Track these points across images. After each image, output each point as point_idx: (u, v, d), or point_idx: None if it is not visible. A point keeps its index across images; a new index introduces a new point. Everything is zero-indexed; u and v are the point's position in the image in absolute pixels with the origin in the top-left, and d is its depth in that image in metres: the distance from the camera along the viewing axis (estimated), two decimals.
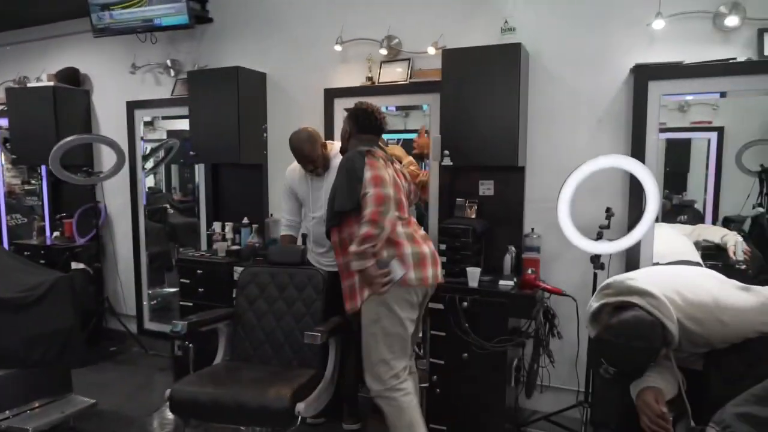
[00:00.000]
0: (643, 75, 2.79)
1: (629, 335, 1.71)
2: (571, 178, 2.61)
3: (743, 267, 2.75)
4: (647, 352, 1.74)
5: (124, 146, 4.31)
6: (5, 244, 5.06)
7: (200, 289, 3.59)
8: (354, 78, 3.54)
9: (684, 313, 1.75)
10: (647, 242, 2.80)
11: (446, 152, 2.98)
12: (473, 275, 2.80)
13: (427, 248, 2.46)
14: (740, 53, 2.64)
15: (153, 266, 4.62)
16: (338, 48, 3.53)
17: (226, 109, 3.63)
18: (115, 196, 4.66)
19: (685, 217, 2.99)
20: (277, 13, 3.83)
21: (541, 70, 3.06)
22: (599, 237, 2.67)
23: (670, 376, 1.78)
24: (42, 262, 4.19)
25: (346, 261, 2.46)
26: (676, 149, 3.03)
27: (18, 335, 2.74)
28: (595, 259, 2.69)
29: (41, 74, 4.69)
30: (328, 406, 2.61)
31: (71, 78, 4.64)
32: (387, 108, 3.45)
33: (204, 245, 4.14)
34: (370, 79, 3.46)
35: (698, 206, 2.98)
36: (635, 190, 2.83)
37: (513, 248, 3.00)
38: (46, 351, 2.82)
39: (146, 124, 4.58)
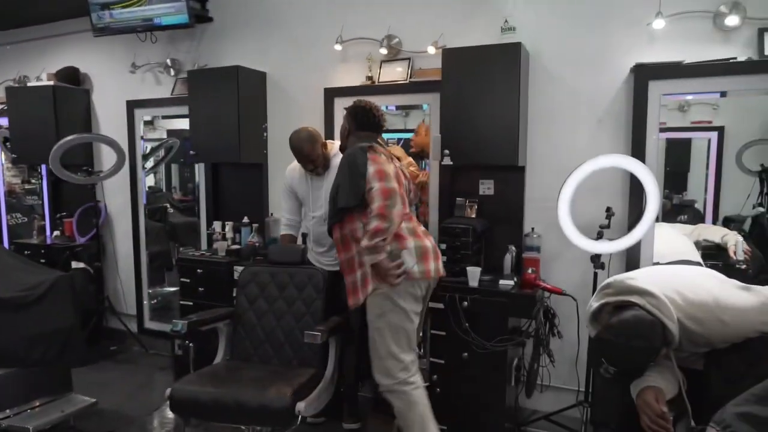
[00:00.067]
0: (644, 74, 2.79)
1: (629, 335, 1.71)
2: (571, 177, 2.61)
3: (743, 267, 2.75)
4: (647, 352, 1.74)
5: (124, 145, 4.31)
6: (5, 244, 5.06)
7: (200, 289, 3.59)
8: (354, 77, 3.54)
9: (684, 312, 1.75)
10: (647, 242, 2.80)
11: (446, 151, 2.98)
12: (473, 275, 2.80)
13: (429, 242, 2.50)
14: (740, 53, 2.64)
15: (153, 265, 4.62)
16: (338, 47, 3.53)
17: (226, 108, 3.63)
18: (115, 196, 4.66)
19: (686, 216, 2.99)
20: (277, 13, 3.83)
21: (541, 69, 3.06)
22: (599, 236, 2.67)
23: (671, 375, 1.78)
24: (42, 261, 4.19)
25: (348, 257, 2.49)
26: (677, 149, 3.03)
27: (18, 334, 2.74)
28: (596, 259, 2.70)
29: (41, 73, 4.69)
30: (328, 406, 2.61)
31: (71, 77, 4.64)
32: (387, 107, 3.45)
33: (204, 244, 4.14)
34: (370, 78, 3.46)
35: (698, 206, 2.98)
36: (635, 189, 2.83)
37: (513, 248, 3.00)
38: (47, 350, 2.82)
39: (146, 123, 4.58)
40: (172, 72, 4.25)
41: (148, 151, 4.67)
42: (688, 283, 1.83)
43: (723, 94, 2.83)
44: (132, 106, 4.43)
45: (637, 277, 1.88)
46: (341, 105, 3.45)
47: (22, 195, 5.30)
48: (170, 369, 3.90)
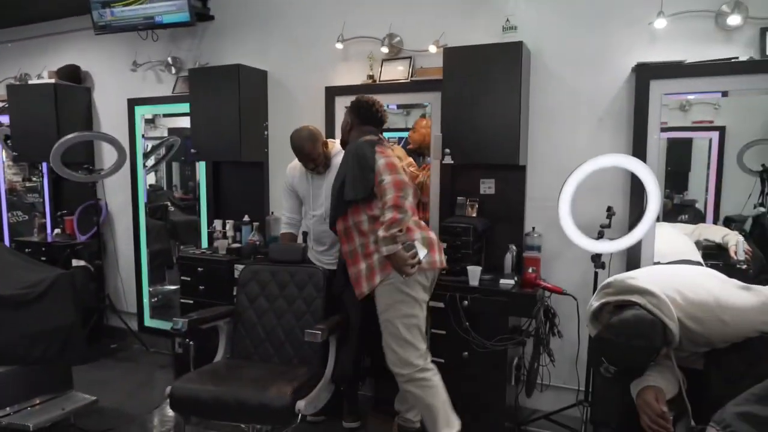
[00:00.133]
0: (645, 74, 2.78)
1: (630, 334, 1.71)
2: (572, 177, 2.61)
3: (744, 267, 2.75)
4: (648, 351, 1.73)
5: (125, 144, 4.31)
6: (6, 241, 5.07)
7: (201, 287, 3.60)
8: (355, 76, 3.53)
9: (685, 312, 1.75)
10: (648, 241, 2.80)
11: (447, 151, 2.98)
12: (474, 274, 2.80)
13: (432, 234, 2.57)
14: (742, 52, 2.63)
15: (154, 264, 4.62)
16: (339, 46, 3.53)
17: (227, 106, 3.63)
18: (116, 194, 4.66)
19: (686, 216, 2.99)
20: (279, 11, 3.83)
21: (543, 68, 3.06)
22: (600, 236, 2.67)
23: (671, 375, 1.78)
24: (43, 259, 4.20)
25: (350, 248, 2.53)
26: (678, 148, 3.03)
27: (19, 332, 2.75)
28: (596, 258, 2.69)
29: (42, 71, 4.68)
30: (329, 404, 2.62)
31: (72, 75, 4.64)
32: (388, 106, 3.43)
33: (205, 243, 4.14)
34: (371, 77, 3.46)
35: (699, 206, 2.97)
36: (636, 189, 2.82)
37: (514, 247, 3.00)
38: (47, 348, 2.82)
39: (147, 121, 4.58)
40: (173, 70, 4.25)
41: (149, 149, 4.66)
42: (689, 283, 1.83)
43: (724, 93, 2.82)
44: (133, 104, 4.43)
45: (638, 277, 1.88)
46: (342, 104, 3.45)
47: (23, 193, 5.30)
48: (170, 367, 3.90)
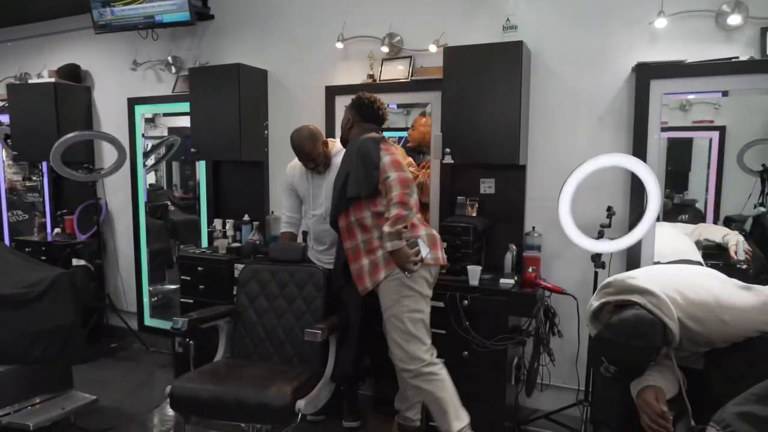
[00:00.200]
0: (645, 74, 2.78)
1: (630, 334, 1.71)
2: (572, 176, 2.60)
3: (744, 266, 2.75)
4: (648, 351, 1.73)
5: (125, 143, 4.31)
6: (6, 241, 5.06)
7: (201, 286, 3.60)
8: (355, 75, 3.53)
9: (685, 312, 1.75)
10: (648, 241, 2.79)
11: (447, 150, 2.98)
12: (474, 273, 2.80)
13: (435, 231, 2.61)
14: (743, 52, 2.63)
15: (154, 263, 4.62)
16: (339, 45, 3.53)
17: (227, 106, 3.62)
18: (116, 193, 4.66)
19: (687, 216, 2.99)
20: (279, 11, 3.82)
21: (543, 68, 3.06)
22: (600, 236, 2.67)
23: (671, 375, 1.78)
24: (43, 258, 4.20)
25: (353, 245, 2.54)
26: (678, 148, 3.03)
27: (19, 331, 2.75)
28: (596, 258, 2.69)
29: (42, 70, 4.68)
30: (328, 404, 2.62)
31: (72, 74, 4.64)
32: (389, 106, 3.42)
33: (205, 242, 4.14)
34: (371, 76, 3.45)
35: (699, 205, 2.97)
36: (636, 188, 2.82)
37: (514, 246, 3.00)
38: (47, 347, 2.82)
39: (147, 121, 4.58)
40: (173, 69, 4.25)
41: (149, 148, 4.66)
42: (689, 283, 1.83)
43: (725, 93, 2.82)
44: (133, 103, 4.43)
45: (638, 276, 1.88)
46: (342, 103, 3.45)
47: (23, 192, 5.30)
48: (170, 366, 3.90)
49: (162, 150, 4.80)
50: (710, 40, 2.70)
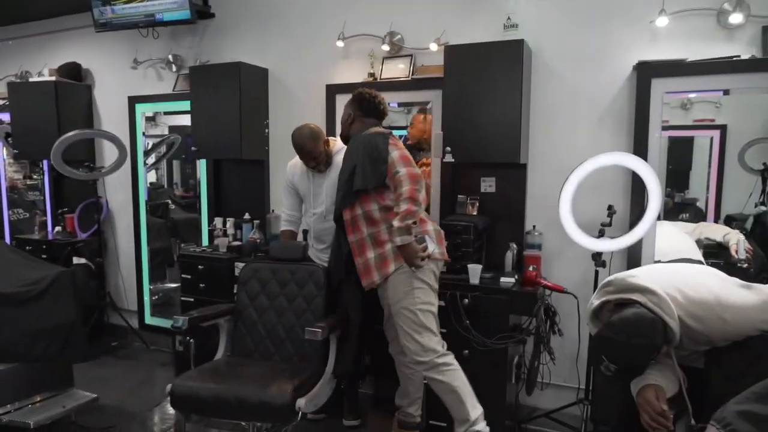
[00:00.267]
0: (646, 72, 2.78)
1: (630, 332, 1.71)
2: (573, 175, 2.60)
3: (745, 265, 2.75)
4: (648, 350, 1.73)
5: (126, 141, 4.31)
6: (7, 239, 5.07)
7: (201, 285, 3.60)
8: (356, 74, 3.53)
9: (685, 310, 1.75)
10: (649, 240, 2.79)
11: (448, 149, 2.98)
12: (474, 272, 2.80)
13: (439, 228, 2.64)
14: (744, 51, 2.63)
15: (154, 262, 4.62)
16: (340, 44, 3.53)
17: (228, 104, 3.62)
18: (116, 192, 4.66)
19: (687, 215, 2.99)
20: (280, 9, 3.82)
21: (544, 66, 3.05)
22: (601, 234, 2.67)
23: (671, 373, 1.78)
24: (44, 257, 4.21)
25: (358, 238, 2.54)
26: (679, 147, 3.02)
27: (20, 330, 2.75)
28: (597, 257, 2.69)
29: (43, 69, 4.69)
30: (329, 402, 2.61)
31: (73, 73, 4.64)
32: (389, 104, 3.43)
33: (205, 241, 4.14)
34: (372, 75, 3.45)
35: (700, 204, 2.97)
36: (637, 187, 2.82)
37: (514, 245, 3.00)
38: (48, 345, 2.82)
39: (148, 119, 4.58)
40: (174, 68, 4.25)
41: (149, 147, 4.67)
42: (690, 281, 1.83)
43: (726, 92, 2.82)
44: (133, 102, 4.43)
45: (639, 275, 1.88)
46: (343, 102, 3.40)
47: (24, 190, 5.30)
48: (171, 365, 3.90)
49: (162, 148, 4.80)
50: (711, 39, 2.70)
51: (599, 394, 2.74)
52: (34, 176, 5.22)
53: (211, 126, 3.71)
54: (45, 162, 4.84)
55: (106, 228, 4.73)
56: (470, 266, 2.81)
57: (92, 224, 4.52)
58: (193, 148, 3.83)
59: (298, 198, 3.12)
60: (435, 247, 2.52)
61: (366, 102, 2.64)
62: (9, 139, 4.71)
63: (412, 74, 3.36)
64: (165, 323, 4.41)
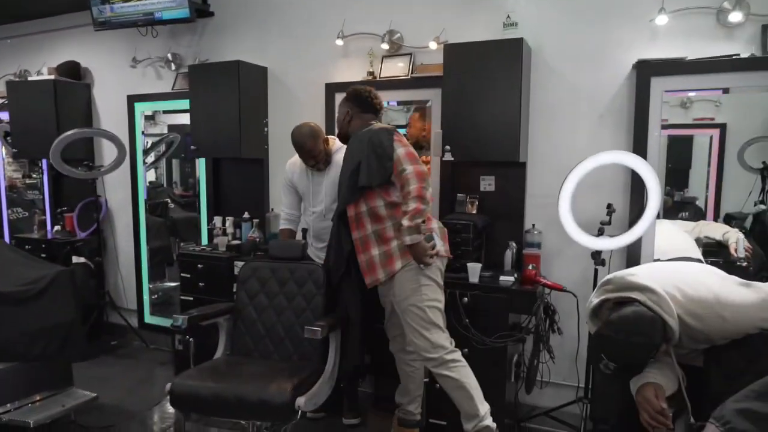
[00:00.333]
0: (646, 71, 2.78)
1: (629, 331, 1.71)
2: (572, 174, 2.60)
3: (744, 264, 2.75)
4: (647, 348, 1.73)
5: (125, 140, 4.31)
6: (6, 238, 5.07)
7: (201, 284, 3.60)
8: (355, 73, 3.53)
9: (684, 308, 1.75)
10: (648, 239, 2.79)
11: (447, 147, 2.98)
12: (474, 271, 2.80)
13: (441, 224, 2.66)
14: (744, 49, 2.63)
15: (154, 260, 4.62)
16: (339, 42, 3.52)
17: (227, 103, 3.62)
18: (115, 191, 4.66)
19: (687, 213, 2.99)
20: (278, 8, 3.82)
21: (543, 65, 3.05)
22: (600, 233, 2.67)
23: (670, 372, 1.78)
24: (43, 256, 4.20)
25: (361, 235, 2.54)
26: (678, 146, 3.02)
27: (19, 329, 2.74)
28: (596, 255, 2.69)
29: (42, 68, 4.69)
30: (329, 401, 2.61)
31: (72, 71, 4.64)
32: (389, 103, 3.45)
33: (205, 240, 4.14)
34: (371, 73, 3.45)
35: (700, 203, 2.97)
36: (636, 186, 2.82)
37: (514, 244, 3.00)
38: (47, 345, 2.82)
39: (147, 118, 4.58)
40: (173, 66, 4.25)
41: (149, 146, 4.66)
42: (689, 280, 1.83)
43: (725, 90, 2.82)
44: (133, 100, 4.43)
45: (638, 274, 1.88)
46: None
47: (23, 189, 5.30)
48: (170, 364, 3.90)
49: (162, 147, 4.80)
50: (711, 38, 2.70)
51: (598, 393, 2.74)
52: (34, 175, 5.21)
53: (211, 125, 3.70)
54: (44, 161, 4.83)
55: (106, 227, 4.73)
56: (469, 265, 2.81)
57: (91, 223, 4.51)
58: (192, 147, 3.83)
59: (297, 197, 3.11)
60: (441, 243, 2.54)
61: (363, 98, 2.64)
62: (8, 138, 4.70)
63: (412, 73, 3.35)
64: (164, 322, 4.41)
